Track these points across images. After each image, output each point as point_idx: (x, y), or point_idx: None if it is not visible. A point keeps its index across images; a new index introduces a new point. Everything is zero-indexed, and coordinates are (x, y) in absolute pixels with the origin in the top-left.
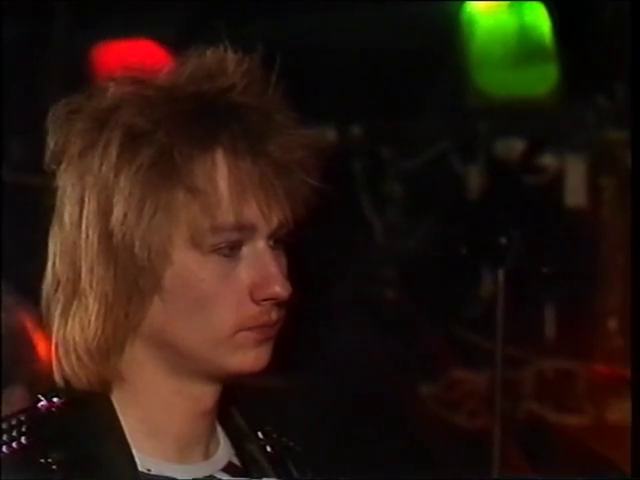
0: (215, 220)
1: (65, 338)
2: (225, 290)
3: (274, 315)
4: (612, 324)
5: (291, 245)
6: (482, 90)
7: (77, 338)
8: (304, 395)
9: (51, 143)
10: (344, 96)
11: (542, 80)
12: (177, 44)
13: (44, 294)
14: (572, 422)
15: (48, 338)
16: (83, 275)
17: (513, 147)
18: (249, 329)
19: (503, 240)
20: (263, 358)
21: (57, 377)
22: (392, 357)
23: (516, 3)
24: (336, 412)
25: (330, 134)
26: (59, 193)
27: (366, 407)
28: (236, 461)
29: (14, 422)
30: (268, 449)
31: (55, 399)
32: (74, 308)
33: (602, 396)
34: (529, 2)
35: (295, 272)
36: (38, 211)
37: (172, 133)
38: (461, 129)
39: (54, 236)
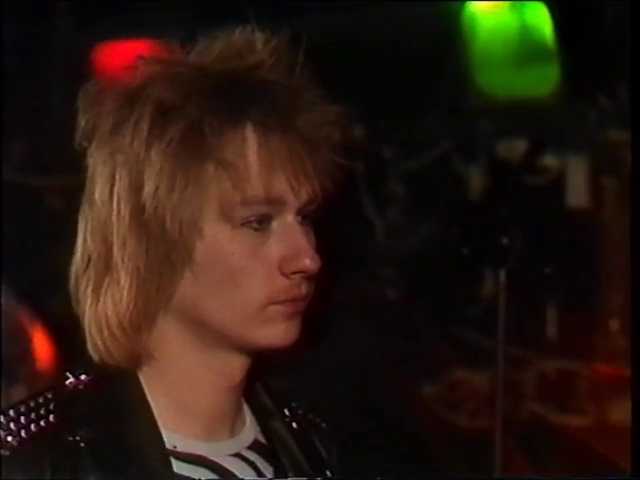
0: (245, 193)
1: (97, 314)
2: (255, 263)
3: (304, 289)
4: (614, 324)
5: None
6: (484, 90)
7: (109, 313)
8: (304, 395)
9: (82, 122)
10: (345, 96)
11: (544, 80)
12: (178, 44)
13: (73, 273)
14: (574, 422)
15: (47, 337)
16: (115, 251)
17: (515, 147)
18: (279, 303)
19: (505, 240)
20: (293, 332)
21: (91, 354)
22: (393, 357)
23: (518, 3)
24: (336, 412)
25: None
26: (89, 172)
27: (367, 407)
28: (262, 439)
29: (41, 400)
30: (294, 426)
31: (83, 376)
32: (106, 284)
33: (604, 397)
34: (530, 2)
35: None
36: (38, 211)
37: (202, 108)
38: (462, 129)
39: (84, 215)
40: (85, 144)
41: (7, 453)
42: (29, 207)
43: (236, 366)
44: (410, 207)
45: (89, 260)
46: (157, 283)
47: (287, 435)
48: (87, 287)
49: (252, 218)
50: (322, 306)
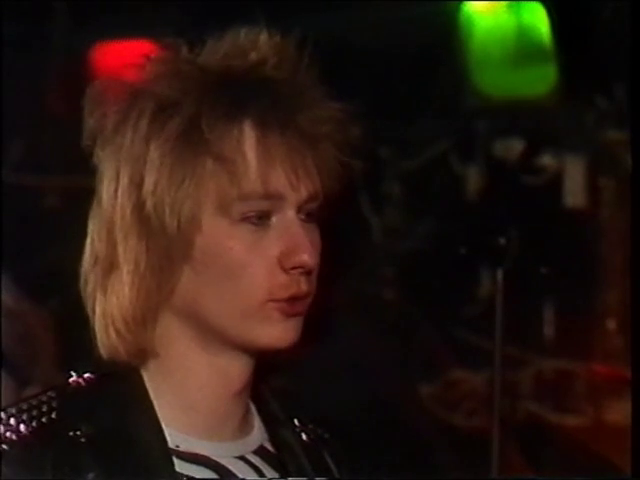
0: (243, 188)
1: (104, 312)
2: (254, 259)
3: (304, 286)
4: (611, 324)
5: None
6: (481, 90)
7: (115, 311)
8: (302, 395)
9: (88, 121)
10: (342, 96)
11: (541, 80)
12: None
13: (82, 272)
14: (571, 422)
15: (51, 336)
16: (118, 247)
17: (512, 147)
18: (279, 300)
19: (502, 240)
20: (292, 333)
21: (100, 351)
22: (390, 357)
23: (515, 3)
24: (334, 412)
25: None
26: (98, 172)
27: (364, 407)
28: (269, 446)
29: (44, 398)
30: (303, 437)
31: (86, 375)
32: (111, 281)
33: (601, 396)
34: (528, 2)
35: None
36: (38, 211)
37: (200, 103)
38: (460, 129)
39: (93, 214)
40: (91, 144)
41: (6, 448)
42: (29, 207)
43: (239, 368)
44: (407, 207)
45: (96, 259)
46: (158, 278)
47: (296, 445)
48: (95, 285)
49: (251, 213)
50: (318, 305)
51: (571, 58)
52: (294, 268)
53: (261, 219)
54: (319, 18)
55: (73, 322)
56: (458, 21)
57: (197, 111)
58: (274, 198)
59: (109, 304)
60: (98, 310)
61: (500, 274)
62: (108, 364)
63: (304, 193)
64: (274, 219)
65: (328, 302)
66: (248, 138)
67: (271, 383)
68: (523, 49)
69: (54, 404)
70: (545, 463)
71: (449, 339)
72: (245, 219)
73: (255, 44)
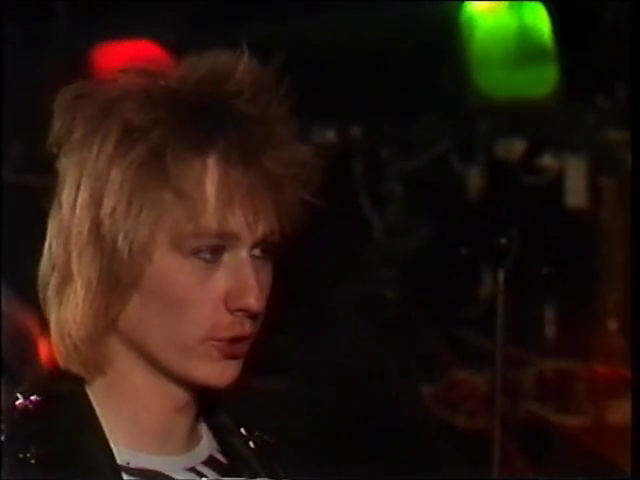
0: (198, 225)
1: (59, 320)
2: (200, 295)
3: (247, 328)
4: (612, 324)
5: (289, 246)
6: (482, 90)
7: (70, 320)
8: (304, 395)
9: (56, 125)
10: (344, 96)
11: (542, 80)
12: (177, 44)
13: (40, 275)
14: (572, 422)
15: (48, 338)
16: (73, 259)
17: (513, 147)
18: (219, 340)
19: (503, 240)
20: (230, 374)
21: (58, 360)
22: (392, 357)
23: (516, 3)
24: (336, 412)
25: (330, 134)
26: (60, 175)
27: (366, 407)
28: (219, 456)
29: None
30: (251, 445)
31: (33, 397)
32: (67, 291)
33: (602, 396)
34: (529, 2)
35: (295, 273)
36: (38, 211)
37: (167, 134)
38: (461, 129)
39: (52, 217)
40: (56, 150)
41: None
42: (29, 208)
43: (183, 391)
44: (408, 207)
45: (54, 265)
46: (107, 300)
47: (247, 453)
48: (52, 292)
49: (203, 249)
50: (320, 306)
51: (572, 58)
52: (239, 310)
53: (214, 255)
54: (320, 18)
55: None
56: (459, 21)
57: (164, 141)
58: (229, 237)
59: (64, 313)
60: (54, 317)
61: (501, 274)
62: (54, 384)
63: (260, 233)
64: (226, 256)
65: (329, 302)
66: (210, 174)
67: (226, 400)
68: (524, 49)
69: (2, 426)
70: (546, 463)
71: (450, 339)
72: (196, 254)
73: (233, 72)
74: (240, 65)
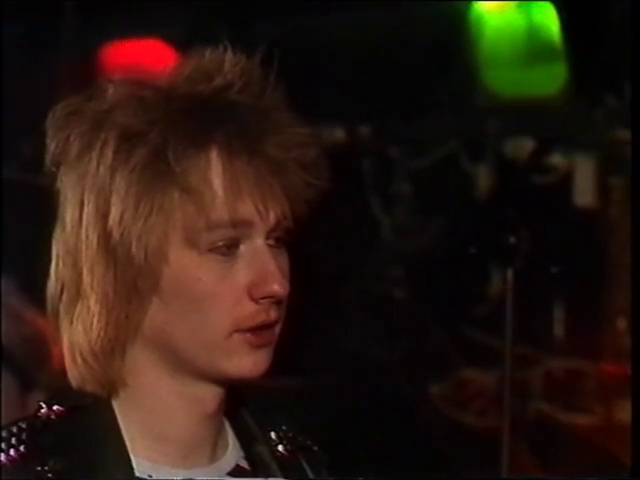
0: (210, 218)
1: (71, 341)
2: (223, 290)
3: (272, 314)
4: (621, 323)
5: (299, 244)
6: (491, 89)
7: (81, 340)
8: (312, 394)
9: (51, 145)
10: (353, 96)
11: (551, 79)
12: (182, 44)
13: (49, 297)
14: (581, 422)
15: (58, 340)
16: (84, 276)
17: (522, 146)
18: (246, 330)
19: (512, 239)
20: (261, 364)
21: (70, 380)
22: (401, 356)
23: (525, 2)
24: (344, 411)
25: (339, 133)
26: (61, 196)
27: (375, 406)
28: (245, 464)
29: (15, 430)
30: (280, 450)
31: (56, 407)
32: (78, 310)
33: (611, 396)
34: (538, 1)
35: (304, 271)
36: (43, 211)
37: (165, 133)
38: (470, 128)
39: (57, 238)
40: (54, 169)
41: None
42: (34, 207)
43: (210, 393)
44: (417, 206)
45: (62, 285)
46: (126, 310)
47: (270, 460)
48: (62, 312)
49: (219, 243)
50: (328, 305)
51: (581, 57)
52: (264, 298)
53: (229, 248)
54: (328, 17)
55: None
56: (468, 21)
57: (163, 142)
58: (242, 226)
59: (75, 333)
60: (65, 338)
61: (510, 273)
62: (78, 394)
63: (272, 219)
64: (242, 248)
65: (338, 301)
66: (215, 167)
67: (257, 403)
68: (533, 48)
69: (24, 437)
70: (555, 462)
71: (459, 338)
72: (213, 249)
73: (220, 67)
74: (226, 59)
